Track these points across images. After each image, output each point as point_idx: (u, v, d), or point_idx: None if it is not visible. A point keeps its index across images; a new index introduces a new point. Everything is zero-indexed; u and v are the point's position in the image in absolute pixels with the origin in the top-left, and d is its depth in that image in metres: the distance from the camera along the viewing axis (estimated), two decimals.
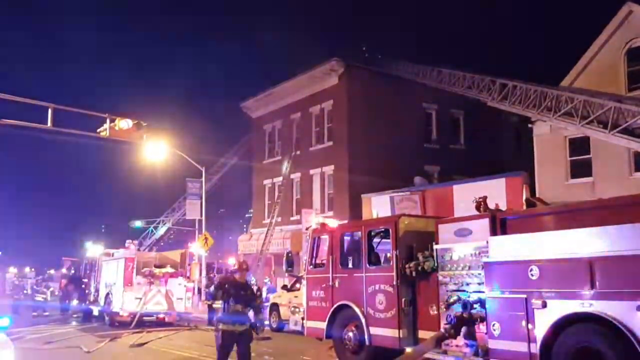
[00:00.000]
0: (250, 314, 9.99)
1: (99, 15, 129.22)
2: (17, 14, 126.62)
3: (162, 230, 44.66)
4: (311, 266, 14.07)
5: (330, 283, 13.03)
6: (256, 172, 39.38)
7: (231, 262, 43.48)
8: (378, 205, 24.03)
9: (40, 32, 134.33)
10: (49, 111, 17.15)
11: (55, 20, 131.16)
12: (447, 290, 10.53)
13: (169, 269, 23.25)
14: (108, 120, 18.32)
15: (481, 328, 9.83)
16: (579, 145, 22.25)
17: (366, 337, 11.99)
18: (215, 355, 9.61)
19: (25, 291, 34.95)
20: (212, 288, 10.15)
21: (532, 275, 8.89)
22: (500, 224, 9.98)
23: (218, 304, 24.29)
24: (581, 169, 22.23)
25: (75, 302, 27.77)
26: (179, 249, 27.59)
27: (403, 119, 31.41)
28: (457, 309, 10.18)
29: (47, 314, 29.12)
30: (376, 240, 12.88)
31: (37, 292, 32.13)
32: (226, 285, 9.83)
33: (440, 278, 10.70)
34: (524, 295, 8.95)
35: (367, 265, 12.29)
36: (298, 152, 34.57)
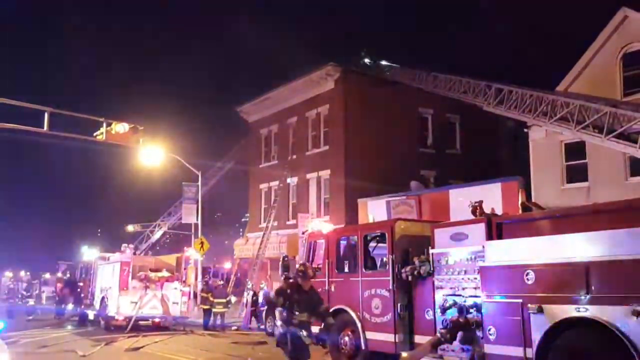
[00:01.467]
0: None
1: (97, 19, 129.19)
2: (14, 14, 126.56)
3: (158, 234, 44.56)
4: None
5: (327, 287, 13.02)
6: (252, 177, 39.35)
7: (227, 266, 43.32)
8: (374, 210, 24.07)
9: (38, 36, 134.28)
10: (46, 115, 17.16)
11: (52, 24, 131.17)
12: (443, 295, 10.54)
13: (164, 273, 23.21)
14: (104, 124, 18.34)
15: (477, 333, 9.84)
16: (575, 150, 22.27)
17: (362, 341, 11.99)
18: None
19: (20, 295, 34.82)
20: (274, 293, 9.04)
21: (527, 279, 8.90)
22: (496, 229, 10.00)
23: (220, 309, 24.30)
24: (577, 173, 22.25)
25: (70, 306, 27.69)
26: (175, 253, 27.56)
27: (399, 123, 31.45)
28: (453, 313, 10.19)
29: (31, 318, 28.94)
30: (372, 244, 12.90)
31: (30, 296, 31.96)
32: (288, 291, 8.85)
33: (436, 282, 10.71)
34: (520, 300, 8.97)
35: (363, 269, 12.30)
36: (294, 157, 34.58)
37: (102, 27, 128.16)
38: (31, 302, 30.49)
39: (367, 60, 34.57)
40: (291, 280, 9.08)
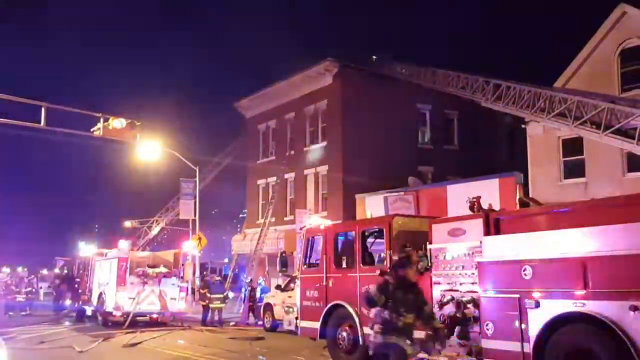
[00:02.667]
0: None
1: (95, 14, 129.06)
2: (12, 12, 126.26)
3: (155, 230, 44.52)
4: (305, 266, 14.06)
5: (324, 283, 13.03)
6: (250, 172, 39.34)
7: (225, 262, 43.21)
8: (372, 206, 23.99)
9: (35, 31, 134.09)
10: (43, 110, 17.09)
11: (51, 20, 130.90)
12: (440, 290, 10.54)
13: (162, 269, 23.17)
14: (102, 120, 18.28)
15: (474, 328, 9.85)
16: (573, 146, 22.31)
17: (360, 336, 11.99)
18: (210, 356, 9.17)
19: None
20: (374, 289, 7.02)
21: (525, 275, 8.91)
22: (494, 224, 9.99)
23: (217, 304, 24.27)
24: (574, 169, 22.30)
25: (68, 302, 27.67)
26: (172, 249, 27.54)
27: (397, 119, 31.43)
28: (451, 308, 10.19)
29: (25, 313, 28.92)
30: (370, 240, 12.90)
31: (18, 292, 31.85)
32: (390, 287, 6.98)
33: (433, 278, 10.70)
34: (517, 295, 8.97)
35: (361, 265, 12.29)
36: (292, 152, 34.56)
37: (101, 22, 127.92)
38: (20, 298, 30.32)
39: (362, 56, 34.55)
40: (392, 272, 7.24)
